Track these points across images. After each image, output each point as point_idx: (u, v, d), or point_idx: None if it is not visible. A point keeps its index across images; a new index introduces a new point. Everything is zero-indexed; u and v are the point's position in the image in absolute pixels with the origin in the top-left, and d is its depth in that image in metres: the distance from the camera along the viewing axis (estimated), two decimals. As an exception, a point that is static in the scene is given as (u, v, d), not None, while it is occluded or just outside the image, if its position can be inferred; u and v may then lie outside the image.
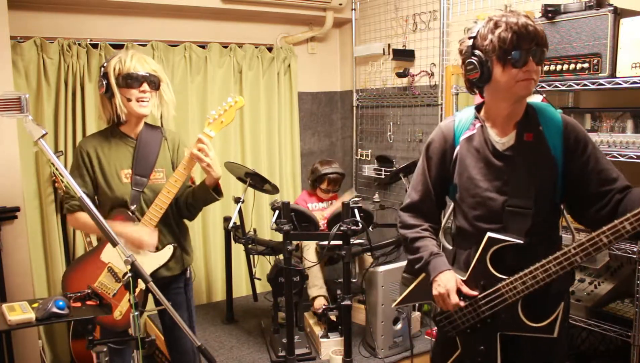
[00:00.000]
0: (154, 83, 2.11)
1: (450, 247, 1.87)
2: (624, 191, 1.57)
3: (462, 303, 1.68)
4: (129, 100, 2.08)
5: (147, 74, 2.09)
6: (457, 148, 1.72)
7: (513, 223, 1.61)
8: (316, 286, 3.49)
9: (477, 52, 1.57)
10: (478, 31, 1.58)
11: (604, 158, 1.63)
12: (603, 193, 1.58)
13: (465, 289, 1.67)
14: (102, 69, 2.10)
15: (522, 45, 1.50)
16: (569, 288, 1.77)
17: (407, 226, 1.83)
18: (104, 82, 2.07)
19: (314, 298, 3.46)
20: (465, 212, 1.72)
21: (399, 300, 1.88)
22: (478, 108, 1.73)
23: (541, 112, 1.66)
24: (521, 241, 1.60)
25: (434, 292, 1.71)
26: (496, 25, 1.53)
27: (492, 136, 1.67)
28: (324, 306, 3.28)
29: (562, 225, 2.27)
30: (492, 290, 1.64)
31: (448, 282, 1.67)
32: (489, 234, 1.63)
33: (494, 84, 1.58)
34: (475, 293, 1.67)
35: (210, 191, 2.13)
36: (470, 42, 1.59)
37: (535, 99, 2.16)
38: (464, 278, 1.70)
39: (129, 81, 2.05)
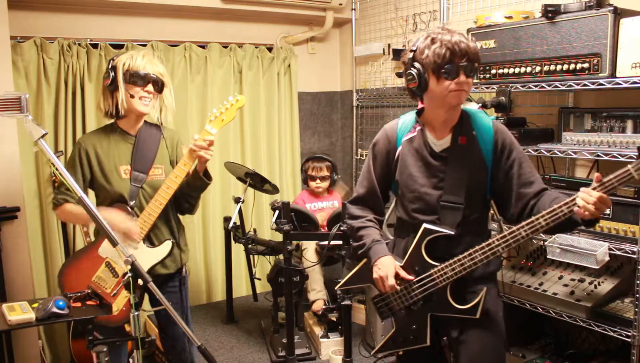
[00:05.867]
0: (158, 85, 2.16)
1: (392, 238, 2.04)
2: (538, 196, 1.74)
3: (397, 287, 1.83)
4: (132, 96, 2.12)
5: (154, 76, 2.14)
6: (399, 149, 1.90)
7: (446, 216, 1.80)
8: (315, 290, 3.48)
9: (416, 64, 1.75)
10: (417, 46, 1.75)
11: (528, 163, 1.80)
12: (521, 195, 1.77)
13: (403, 273, 1.83)
14: (112, 62, 2.14)
15: (454, 60, 1.68)
16: (496, 273, 1.91)
17: (354, 217, 2.00)
18: (111, 75, 2.11)
19: (313, 301, 3.46)
20: (405, 205, 1.89)
21: (341, 282, 2.03)
22: (419, 113, 1.91)
23: (474, 119, 1.84)
24: (452, 232, 1.78)
25: (374, 275, 1.86)
26: (432, 42, 1.71)
27: (430, 139, 1.85)
28: (323, 307, 3.28)
29: (492, 219, 2.49)
30: (425, 275, 1.81)
31: (387, 267, 1.83)
32: (424, 225, 1.81)
33: (430, 93, 1.76)
34: (411, 277, 1.83)
35: (203, 178, 2.19)
36: (411, 54, 1.76)
37: (472, 107, 2.31)
38: (401, 264, 1.86)
39: (135, 78, 2.10)
